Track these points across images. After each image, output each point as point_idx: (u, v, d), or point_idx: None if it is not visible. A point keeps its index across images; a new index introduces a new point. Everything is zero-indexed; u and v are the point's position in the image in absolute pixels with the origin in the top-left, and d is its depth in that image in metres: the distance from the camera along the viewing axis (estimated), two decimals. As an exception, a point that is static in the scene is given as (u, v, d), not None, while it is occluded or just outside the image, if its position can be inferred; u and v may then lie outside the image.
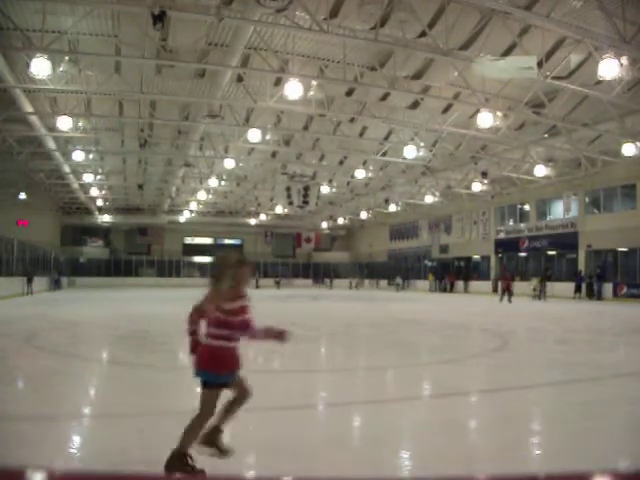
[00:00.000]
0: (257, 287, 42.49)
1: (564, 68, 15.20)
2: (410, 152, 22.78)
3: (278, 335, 2.98)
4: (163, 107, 20.59)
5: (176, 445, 2.99)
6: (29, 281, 25.97)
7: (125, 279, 44.55)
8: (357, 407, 5.06)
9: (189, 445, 3.00)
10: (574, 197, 28.34)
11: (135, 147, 25.00)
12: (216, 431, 3.09)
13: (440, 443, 3.83)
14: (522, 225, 32.79)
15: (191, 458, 3.00)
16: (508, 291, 23.42)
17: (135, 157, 28.25)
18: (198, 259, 50.49)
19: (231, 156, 26.28)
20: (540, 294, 26.53)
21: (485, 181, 29.35)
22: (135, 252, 47.79)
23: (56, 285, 34.15)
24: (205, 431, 3.06)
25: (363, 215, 42.80)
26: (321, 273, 51.39)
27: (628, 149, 20.31)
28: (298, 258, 53.01)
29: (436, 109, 20.52)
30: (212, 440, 3.09)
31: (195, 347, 3.05)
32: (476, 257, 37.22)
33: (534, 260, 31.94)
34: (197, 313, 3.05)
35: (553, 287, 27.09)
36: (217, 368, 2.98)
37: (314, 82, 17.24)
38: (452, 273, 37.87)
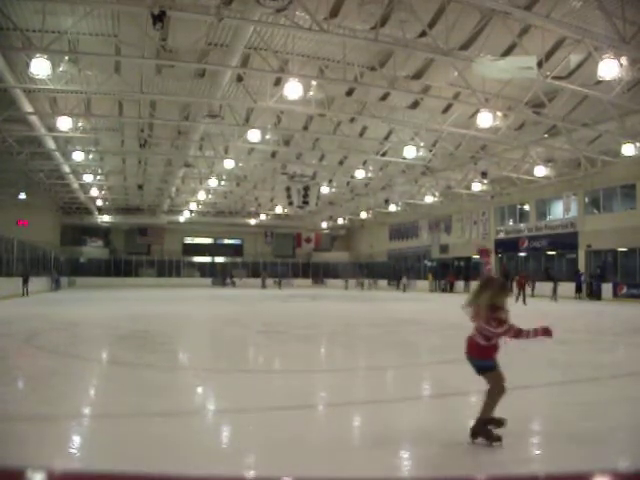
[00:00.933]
0: (264, 287, 42.44)
1: (564, 68, 15.20)
2: (410, 152, 22.80)
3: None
4: (163, 107, 20.59)
5: (479, 414, 3.74)
6: (25, 282, 25.44)
7: (125, 279, 44.54)
8: (357, 407, 5.06)
9: (488, 414, 3.73)
10: (574, 197, 28.33)
11: (135, 147, 24.98)
12: (481, 422, 3.76)
13: (440, 443, 3.83)
14: (522, 225, 32.77)
15: (496, 423, 3.75)
16: (522, 291, 23.04)
17: (135, 157, 28.25)
18: (198, 259, 50.56)
19: (231, 156, 26.29)
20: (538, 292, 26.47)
21: (485, 181, 29.35)
22: (135, 252, 47.80)
23: (56, 285, 34.11)
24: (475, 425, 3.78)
25: (363, 215, 42.79)
26: (321, 273, 51.37)
27: (628, 149, 20.32)
28: (298, 258, 53.01)
29: (436, 109, 20.53)
30: (483, 431, 3.73)
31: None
32: (476, 257, 37.19)
33: (534, 260, 31.93)
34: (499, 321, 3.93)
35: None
36: (493, 357, 3.91)
37: (314, 82, 17.24)
38: (452, 273, 37.84)
